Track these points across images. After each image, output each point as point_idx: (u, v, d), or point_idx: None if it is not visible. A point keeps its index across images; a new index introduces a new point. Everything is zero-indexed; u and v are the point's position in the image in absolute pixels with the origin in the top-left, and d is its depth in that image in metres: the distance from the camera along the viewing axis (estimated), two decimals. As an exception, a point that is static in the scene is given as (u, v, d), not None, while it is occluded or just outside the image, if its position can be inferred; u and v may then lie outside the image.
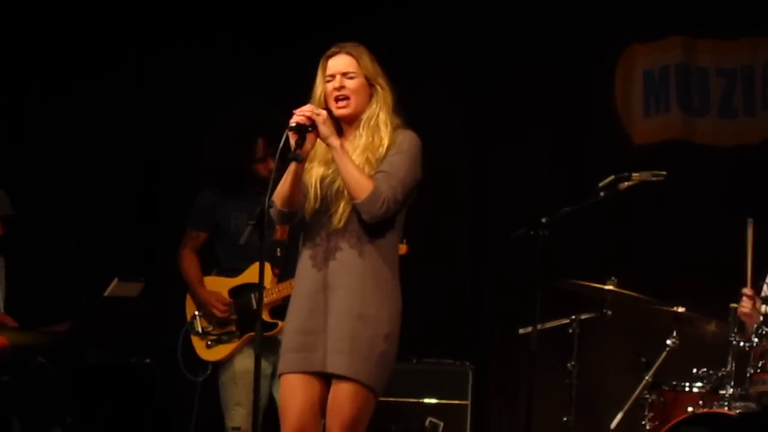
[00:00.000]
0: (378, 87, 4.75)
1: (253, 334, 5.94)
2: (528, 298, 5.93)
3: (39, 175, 7.43)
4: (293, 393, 4.68)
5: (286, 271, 5.88)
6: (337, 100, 4.71)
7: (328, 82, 4.73)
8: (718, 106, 7.27)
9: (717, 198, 7.15)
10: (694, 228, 7.13)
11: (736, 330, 5.52)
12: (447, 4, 7.54)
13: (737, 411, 5.47)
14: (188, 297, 6.20)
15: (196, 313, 6.14)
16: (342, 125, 4.77)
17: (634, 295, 6.05)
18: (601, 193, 5.92)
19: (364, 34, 6.23)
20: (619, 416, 5.98)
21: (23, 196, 6.88)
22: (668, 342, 5.97)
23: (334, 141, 4.63)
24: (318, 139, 4.67)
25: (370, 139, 4.70)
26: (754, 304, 5.56)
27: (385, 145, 4.70)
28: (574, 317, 6.17)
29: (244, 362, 6.03)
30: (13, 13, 7.43)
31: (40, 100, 7.51)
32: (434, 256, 6.89)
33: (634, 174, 5.93)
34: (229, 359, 6.08)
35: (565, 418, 6.11)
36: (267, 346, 5.64)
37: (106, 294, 6.49)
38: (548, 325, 6.18)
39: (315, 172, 4.73)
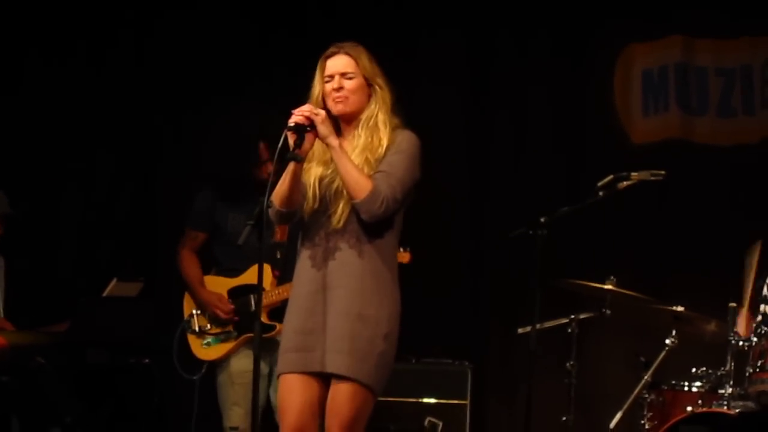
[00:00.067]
0: (377, 87, 4.76)
1: (250, 335, 5.95)
2: (527, 297, 5.93)
3: (38, 175, 7.42)
4: (292, 393, 4.68)
5: (285, 273, 5.88)
6: (335, 101, 4.71)
7: (327, 82, 4.74)
8: (716, 106, 7.27)
9: (716, 197, 7.15)
10: (693, 227, 7.13)
11: (735, 329, 5.52)
12: (445, 6, 7.53)
13: (736, 410, 5.47)
14: (186, 295, 6.20)
15: (194, 311, 6.14)
16: (341, 125, 4.77)
17: (633, 294, 6.04)
18: (600, 193, 5.91)
19: (364, 31, 6.27)
20: (618, 416, 5.97)
21: (23, 196, 6.88)
22: (667, 341, 5.96)
23: (333, 140, 4.63)
24: (316, 139, 4.67)
25: (369, 139, 4.71)
26: (748, 326, 5.58)
27: (384, 145, 4.70)
28: (573, 317, 6.16)
29: (241, 362, 6.03)
30: (12, 13, 7.42)
31: (38, 99, 7.50)
32: (433, 255, 6.88)
33: (633, 173, 5.92)
34: (225, 359, 6.08)
35: (564, 418, 6.10)
36: (265, 347, 5.64)
37: (105, 294, 6.49)
38: (547, 324, 6.18)
39: (313, 172, 4.73)
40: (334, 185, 4.70)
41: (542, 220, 5.85)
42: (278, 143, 4.56)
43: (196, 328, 6.12)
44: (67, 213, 7.55)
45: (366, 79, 4.75)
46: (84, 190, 7.58)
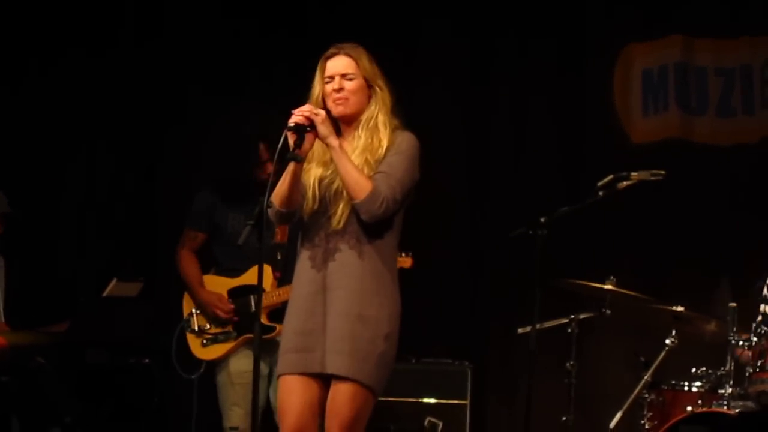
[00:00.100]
0: (377, 88, 4.75)
1: (249, 335, 5.94)
2: (527, 297, 5.92)
3: (38, 175, 7.42)
4: (292, 394, 4.68)
5: (285, 275, 5.87)
6: (336, 102, 4.71)
7: (327, 83, 4.73)
8: (716, 106, 7.27)
9: (716, 197, 7.15)
10: (692, 227, 7.13)
11: (735, 329, 5.52)
12: (444, 6, 7.54)
13: (736, 410, 5.47)
14: (186, 295, 6.19)
15: (193, 310, 6.13)
16: (340, 126, 4.77)
17: (633, 294, 6.04)
18: (600, 193, 5.91)
19: (364, 32, 6.27)
20: (618, 416, 5.97)
21: (22, 196, 6.88)
22: (667, 341, 5.96)
23: (333, 141, 4.63)
24: (316, 140, 4.67)
25: (369, 140, 4.71)
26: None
27: (384, 147, 4.70)
28: (573, 317, 6.16)
29: (240, 363, 6.02)
30: (10, 7, 7.42)
31: (38, 99, 7.50)
32: (433, 255, 6.88)
33: (633, 173, 5.92)
34: (224, 359, 6.08)
35: (564, 418, 6.10)
36: (264, 348, 5.64)
37: (104, 294, 6.49)
38: (547, 324, 6.18)
39: (313, 173, 4.73)
40: (334, 186, 4.69)
41: (542, 220, 5.85)
42: (278, 143, 4.56)
43: (196, 328, 6.12)
44: (67, 213, 7.55)
45: (366, 80, 4.75)
46: (84, 190, 7.58)
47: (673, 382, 5.88)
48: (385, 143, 4.71)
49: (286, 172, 4.65)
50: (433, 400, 6.79)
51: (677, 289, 6.70)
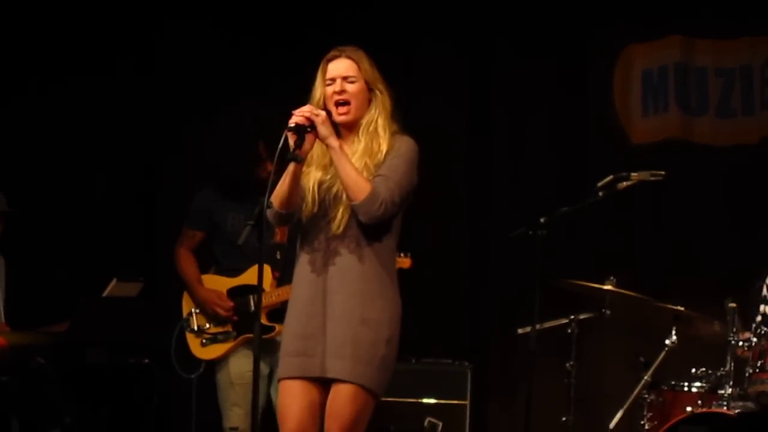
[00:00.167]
0: (377, 92, 4.76)
1: (249, 335, 5.94)
2: (527, 297, 5.93)
3: (37, 175, 7.42)
4: (292, 398, 4.68)
5: (285, 275, 5.87)
6: (337, 104, 4.72)
7: (328, 85, 4.73)
8: (716, 106, 7.27)
9: (715, 197, 7.15)
10: (692, 227, 7.13)
11: (734, 330, 5.52)
12: (444, 6, 7.54)
13: (736, 411, 5.47)
14: (185, 294, 6.19)
15: (193, 310, 6.13)
16: (340, 129, 4.77)
17: (633, 294, 6.04)
18: (600, 193, 5.92)
19: (363, 32, 6.28)
20: (618, 416, 5.98)
21: (22, 196, 6.88)
22: (667, 342, 5.96)
23: (333, 141, 4.63)
24: (316, 143, 4.67)
25: (369, 144, 4.71)
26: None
27: (384, 151, 4.71)
28: (572, 317, 6.16)
29: (240, 363, 6.02)
30: (13, 12, 7.42)
31: (38, 100, 7.50)
32: (433, 256, 6.88)
33: (633, 174, 5.93)
34: (224, 359, 6.08)
35: (564, 418, 6.10)
36: (264, 348, 5.63)
37: (104, 294, 6.49)
38: (547, 325, 6.18)
39: (312, 176, 4.73)
40: (333, 190, 4.70)
41: (542, 220, 5.85)
42: (277, 142, 4.56)
43: (195, 327, 6.12)
44: (67, 213, 7.55)
45: (367, 83, 4.75)
46: (84, 190, 7.57)
47: (673, 382, 5.88)
48: (384, 147, 4.71)
49: (286, 172, 4.65)
50: (433, 401, 6.79)
51: (677, 289, 6.70)
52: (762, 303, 5.61)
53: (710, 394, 5.67)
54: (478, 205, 7.51)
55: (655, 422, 5.82)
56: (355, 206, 4.64)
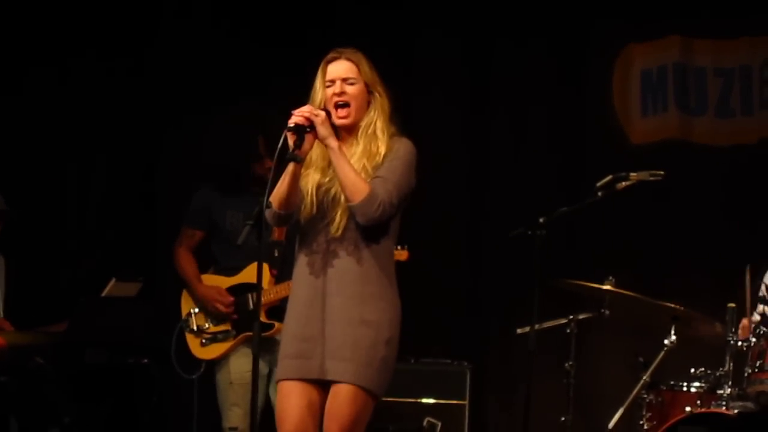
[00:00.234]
0: (376, 94, 4.77)
1: (248, 333, 5.95)
2: (526, 297, 5.93)
3: (37, 174, 7.42)
4: (290, 400, 4.68)
5: (283, 272, 5.88)
6: (337, 105, 4.72)
7: (328, 86, 4.74)
8: (715, 106, 7.27)
9: (714, 198, 7.15)
10: (691, 227, 7.13)
11: (734, 330, 5.53)
12: (443, 6, 7.54)
13: (735, 411, 5.47)
14: (184, 294, 6.19)
15: (192, 310, 6.13)
16: (339, 131, 4.77)
17: (632, 294, 6.04)
18: (599, 193, 5.92)
19: (362, 30, 6.27)
20: (617, 416, 5.97)
21: (21, 195, 6.88)
22: (666, 342, 5.95)
23: (333, 142, 4.63)
24: (315, 145, 4.67)
25: (367, 146, 4.72)
26: (748, 333, 5.59)
27: (382, 153, 4.71)
28: (571, 317, 6.16)
29: (240, 362, 6.02)
30: (11, 9, 7.42)
31: (37, 99, 7.50)
32: (432, 255, 6.89)
33: (632, 174, 5.93)
34: (224, 358, 6.08)
35: (563, 418, 6.11)
36: (263, 346, 5.63)
37: (103, 294, 6.49)
38: (546, 324, 6.18)
39: (311, 178, 4.73)
40: (332, 193, 4.70)
41: (541, 220, 5.86)
42: (276, 140, 4.57)
43: (195, 327, 6.12)
44: (67, 213, 7.55)
45: (366, 85, 4.76)
46: (84, 190, 7.58)
47: (672, 382, 5.87)
48: (383, 149, 4.72)
49: (285, 172, 4.65)
50: (432, 401, 6.79)
51: (676, 289, 6.70)
52: (762, 303, 5.60)
53: (709, 394, 5.66)
54: (478, 205, 7.51)
55: (654, 422, 5.82)
56: (353, 207, 4.64)
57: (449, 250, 7.41)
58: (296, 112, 4.61)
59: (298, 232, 4.80)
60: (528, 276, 5.86)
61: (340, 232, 4.68)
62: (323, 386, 4.67)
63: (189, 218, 6.25)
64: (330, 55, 4.79)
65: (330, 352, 4.63)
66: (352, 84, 4.74)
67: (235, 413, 6.03)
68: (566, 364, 6.12)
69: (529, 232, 5.88)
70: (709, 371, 5.75)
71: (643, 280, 6.64)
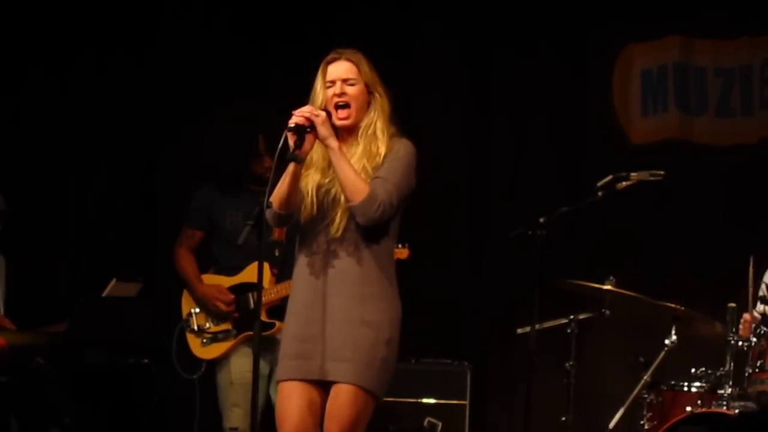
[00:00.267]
0: (377, 94, 4.77)
1: (249, 333, 5.95)
2: (526, 297, 5.93)
3: (37, 175, 7.42)
4: (290, 400, 4.68)
5: (284, 271, 5.88)
6: (337, 106, 4.72)
7: (328, 87, 4.74)
8: (715, 106, 7.27)
9: (715, 197, 7.15)
10: (692, 227, 7.13)
11: (734, 330, 5.53)
12: (443, 5, 7.54)
13: (736, 410, 5.47)
14: (185, 294, 6.19)
15: (192, 310, 6.13)
16: (339, 132, 4.76)
17: (633, 294, 6.04)
18: (599, 193, 5.92)
19: (362, 30, 6.26)
20: (617, 416, 5.97)
21: (21, 195, 6.88)
22: (666, 341, 5.96)
23: (333, 142, 4.63)
24: (315, 145, 4.67)
25: (367, 147, 4.72)
26: (750, 328, 5.59)
27: (382, 154, 4.72)
28: (572, 317, 6.16)
29: (240, 362, 6.02)
30: (11, 12, 7.42)
31: (38, 100, 7.50)
32: (433, 255, 6.88)
33: (632, 174, 5.94)
34: (224, 358, 6.08)
35: (563, 418, 6.11)
36: (264, 346, 5.65)
37: (104, 294, 6.48)
38: (546, 324, 6.18)
39: (311, 179, 4.73)
40: (332, 194, 4.70)
41: (541, 220, 5.86)
42: (276, 138, 4.57)
43: (195, 327, 6.12)
44: (67, 213, 7.54)
45: (367, 86, 4.76)
46: (84, 190, 7.57)
47: (673, 382, 5.88)
48: (383, 150, 4.72)
49: (285, 173, 4.65)
50: (432, 401, 6.79)
51: (677, 289, 6.70)
52: (762, 303, 5.60)
53: (710, 394, 5.67)
54: (478, 205, 7.51)
55: (655, 422, 5.82)
56: (352, 208, 4.64)
57: (449, 250, 7.41)
58: (297, 112, 4.61)
59: (298, 233, 4.80)
60: (528, 276, 5.86)
61: (340, 232, 4.68)
62: (323, 387, 4.67)
63: (189, 218, 6.25)
64: (330, 56, 4.79)
65: (330, 352, 4.64)
66: (352, 85, 4.74)
67: (236, 413, 6.03)
68: (567, 364, 6.12)
69: (530, 232, 5.88)
70: (709, 371, 5.75)
71: (643, 279, 6.64)
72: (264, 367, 5.88)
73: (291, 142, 4.58)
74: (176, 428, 6.86)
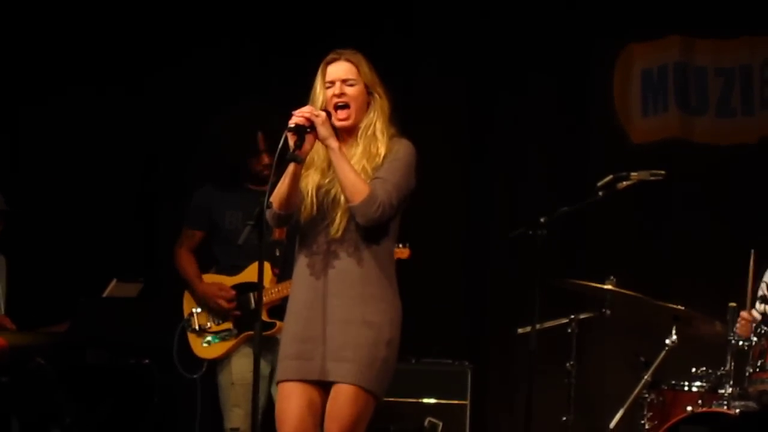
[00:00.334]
0: (376, 95, 4.76)
1: (250, 333, 5.94)
2: (527, 297, 5.93)
3: (38, 175, 7.42)
4: (290, 400, 4.68)
5: (285, 271, 5.88)
6: (337, 107, 4.72)
7: (328, 88, 4.73)
8: (716, 106, 7.28)
9: (715, 197, 7.15)
10: (692, 227, 7.13)
11: (734, 330, 5.53)
12: (443, 5, 7.54)
13: (736, 410, 5.48)
14: (186, 294, 6.19)
15: (194, 310, 6.13)
16: (339, 132, 4.76)
17: (633, 294, 6.04)
18: (600, 193, 5.92)
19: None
20: (618, 416, 5.98)
21: (22, 195, 6.88)
22: (667, 341, 5.96)
23: (333, 142, 4.63)
24: (315, 146, 4.67)
25: (367, 147, 4.71)
26: (749, 326, 5.59)
27: (382, 154, 4.71)
28: (573, 317, 6.16)
29: (242, 363, 6.02)
30: (15, 19, 7.42)
31: (39, 100, 7.50)
32: (433, 255, 6.88)
33: (633, 173, 5.93)
34: (226, 358, 6.08)
35: (564, 418, 6.11)
36: (265, 345, 5.65)
37: (104, 295, 6.49)
38: (547, 324, 6.18)
39: (311, 179, 4.73)
40: (332, 194, 4.69)
41: (542, 220, 5.85)
42: (276, 136, 4.57)
43: (196, 327, 6.12)
44: (67, 213, 7.54)
45: (366, 86, 4.75)
46: (84, 189, 7.57)
47: (673, 382, 5.88)
48: (382, 151, 4.71)
49: (285, 173, 4.64)
50: (433, 401, 6.79)
51: (677, 289, 6.70)
52: (762, 302, 5.60)
53: (710, 394, 5.67)
54: (479, 204, 7.51)
55: (656, 422, 5.83)
56: (352, 208, 4.63)
57: (449, 250, 7.41)
58: (297, 112, 4.61)
59: (298, 233, 4.80)
60: (529, 276, 5.86)
61: (340, 233, 4.67)
62: (324, 387, 4.67)
63: (189, 218, 6.25)
64: (329, 56, 4.78)
65: (331, 353, 4.63)
66: (351, 85, 4.74)
67: (237, 414, 6.02)
68: (567, 364, 6.12)
69: (530, 232, 5.88)
70: (710, 371, 5.76)
71: (644, 280, 6.63)
72: (265, 367, 5.88)
73: (291, 143, 4.57)
74: (177, 428, 6.87)
